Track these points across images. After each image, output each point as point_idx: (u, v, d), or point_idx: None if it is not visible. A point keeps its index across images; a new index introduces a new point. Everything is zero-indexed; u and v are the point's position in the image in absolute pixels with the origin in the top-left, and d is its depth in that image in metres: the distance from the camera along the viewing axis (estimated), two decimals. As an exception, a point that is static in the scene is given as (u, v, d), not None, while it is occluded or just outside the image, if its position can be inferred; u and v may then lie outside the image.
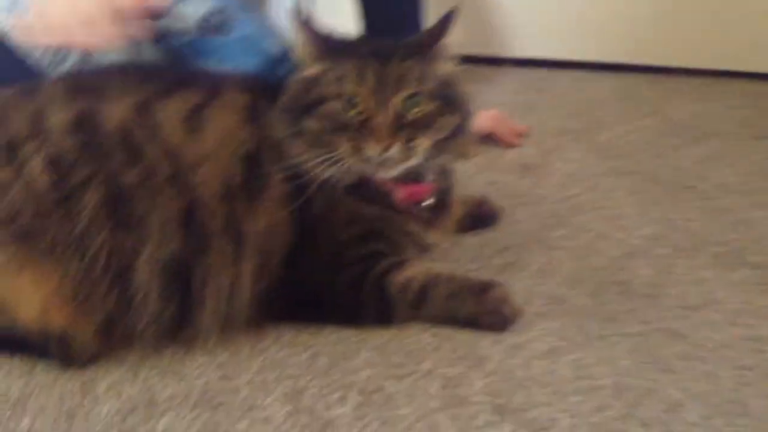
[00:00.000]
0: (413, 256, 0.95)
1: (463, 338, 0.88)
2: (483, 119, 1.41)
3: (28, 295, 0.79)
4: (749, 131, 1.45)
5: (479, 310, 0.89)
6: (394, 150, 0.84)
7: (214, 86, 0.92)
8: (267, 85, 0.95)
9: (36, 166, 0.81)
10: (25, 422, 0.75)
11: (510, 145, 1.40)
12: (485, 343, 0.88)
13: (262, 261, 0.86)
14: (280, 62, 1.20)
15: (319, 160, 0.86)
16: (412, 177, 0.91)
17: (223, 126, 0.88)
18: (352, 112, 0.84)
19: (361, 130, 0.84)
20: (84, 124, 0.85)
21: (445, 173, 0.98)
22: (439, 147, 0.89)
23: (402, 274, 0.91)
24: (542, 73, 1.71)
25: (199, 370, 0.83)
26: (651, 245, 1.09)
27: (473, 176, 1.28)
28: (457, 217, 1.10)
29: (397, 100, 0.85)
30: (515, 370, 0.84)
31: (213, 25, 1.18)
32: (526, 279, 1.01)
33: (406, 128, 0.85)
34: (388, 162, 0.85)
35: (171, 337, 0.85)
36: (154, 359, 0.84)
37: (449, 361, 0.85)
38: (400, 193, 0.92)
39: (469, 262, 1.05)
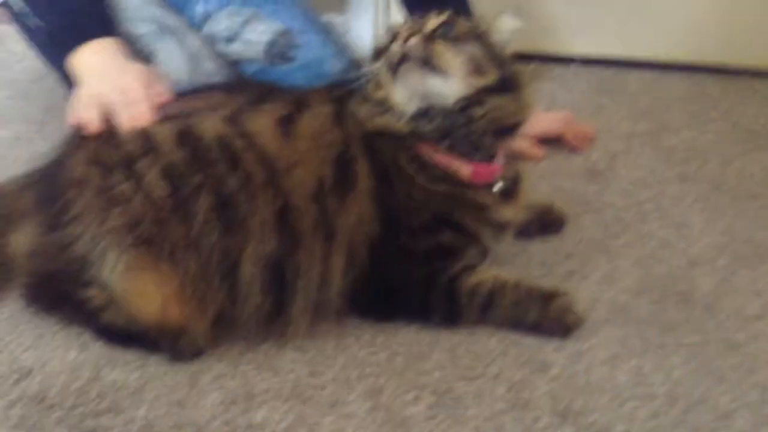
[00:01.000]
0: (487, 239, 1.01)
1: (528, 343, 0.96)
2: (552, 121, 1.46)
3: (150, 294, 0.89)
4: (819, 137, 1.46)
5: (543, 317, 0.97)
6: (413, 42, 0.92)
7: (301, 97, 1.02)
8: (349, 92, 1.03)
9: (153, 179, 0.90)
10: (142, 411, 0.86)
11: (578, 149, 1.44)
12: (549, 348, 0.95)
13: (350, 254, 0.95)
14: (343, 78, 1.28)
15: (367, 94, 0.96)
16: (472, 149, 0.97)
17: (314, 132, 0.97)
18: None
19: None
20: (186, 138, 0.94)
21: (512, 160, 1.04)
22: (479, 95, 0.94)
23: (471, 279, 0.98)
24: (611, 72, 1.73)
25: (290, 366, 0.93)
26: (713, 255, 1.14)
27: (540, 181, 1.33)
28: (525, 221, 1.16)
29: (430, 24, 0.95)
30: (577, 376, 0.91)
31: (279, 53, 1.27)
32: (591, 286, 1.07)
33: (434, 39, 0.93)
34: (407, 59, 0.92)
35: (267, 328, 0.95)
36: (252, 354, 0.94)
37: (515, 365, 0.93)
38: (468, 169, 0.98)
39: (535, 269, 1.12)
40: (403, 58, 0.92)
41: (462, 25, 0.97)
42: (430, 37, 0.93)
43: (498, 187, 1.00)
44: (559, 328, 0.97)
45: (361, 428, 0.84)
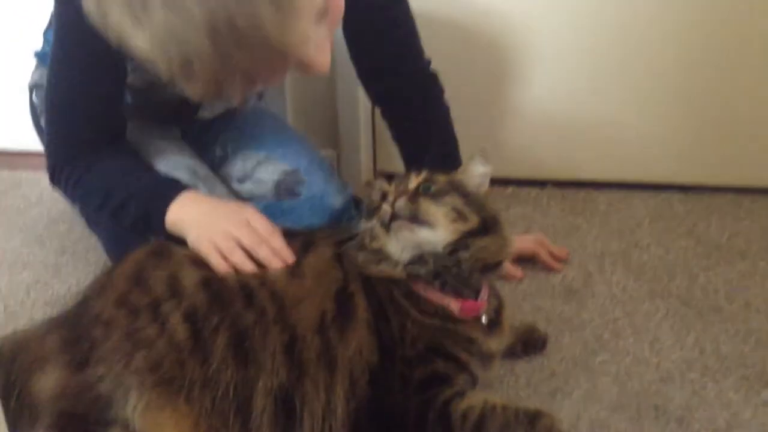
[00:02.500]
0: (476, 368, 1.10)
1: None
2: (526, 242, 1.58)
3: (166, 428, 0.97)
4: (777, 249, 1.59)
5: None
6: (400, 203, 1.04)
7: (307, 239, 1.14)
8: (347, 235, 1.15)
9: (175, 321, 1.00)
10: None
11: (553, 269, 1.55)
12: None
13: (352, 383, 1.03)
14: (344, 213, 1.42)
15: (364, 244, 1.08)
16: (461, 286, 1.08)
17: (317, 271, 1.08)
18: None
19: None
20: (210, 281, 1.05)
21: (494, 293, 1.16)
22: (464, 239, 1.06)
23: (463, 404, 1.06)
24: (582, 194, 1.87)
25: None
26: (683, 369, 1.23)
27: (521, 302, 1.44)
28: (510, 343, 1.25)
29: (412, 183, 1.08)
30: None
31: (286, 189, 1.41)
32: (573, 404, 1.16)
33: (418, 197, 1.06)
34: (397, 217, 1.04)
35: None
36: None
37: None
38: (457, 305, 1.08)
39: (522, 389, 1.21)
40: (393, 216, 1.04)
41: (440, 179, 1.10)
42: (415, 195, 1.06)
43: (484, 320, 1.11)
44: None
45: None
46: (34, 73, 1.53)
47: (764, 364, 1.23)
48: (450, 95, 1.48)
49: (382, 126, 1.58)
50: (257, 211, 1.19)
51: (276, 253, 1.10)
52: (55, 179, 1.30)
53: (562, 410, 1.13)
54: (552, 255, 1.57)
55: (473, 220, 1.07)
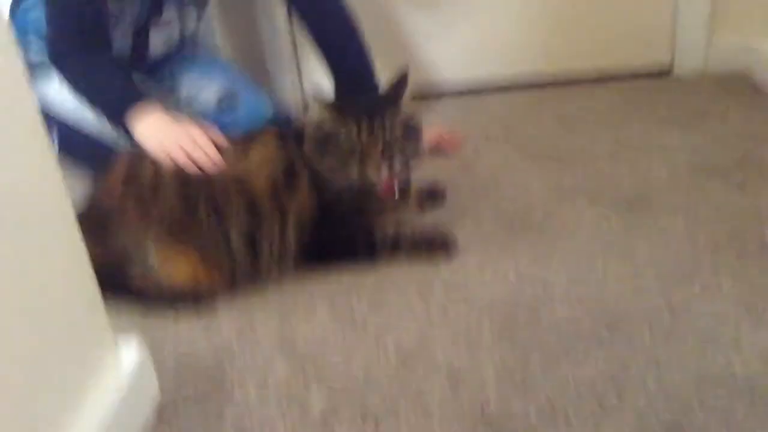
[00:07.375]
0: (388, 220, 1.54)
1: (424, 267, 1.47)
2: (429, 133, 1.99)
3: (182, 265, 1.39)
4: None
5: (432, 242, 1.50)
6: (384, 169, 1.42)
7: (251, 136, 1.54)
8: (286, 129, 1.58)
9: (170, 195, 1.41)
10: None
11: (452, 151, 1.98)
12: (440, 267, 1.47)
13: (299, 226, 1.45)
14: (274, 119, 1.83)
15: (338, 173, 1.45)
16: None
17: (264, 153, 1.47)
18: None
19: (362, 157, 1.42)
20: (179, 172, 1.44)
21: (407, 169, 1.55)
22: (404, 156, 1.46)
23: (383, 229, 1.51)
24: (472, 98, 2.33)
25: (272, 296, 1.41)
26: (548, 194, 1.68)
27: (427, 175, 1.85)
28: (418, 194, 1.66)
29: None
30: (460, 270, 1.43)
31: (227, 105, 1.81)
32: (465, 227, 1.59)
33: (388, 152, 1.43)
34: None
35: (248, 277, 1.44)
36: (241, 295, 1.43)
37: (417, 275, 1.44)
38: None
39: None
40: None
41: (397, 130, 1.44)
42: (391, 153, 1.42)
43: (397, 195, 1.51)
44: (443, 247, 1.50)
45: (321, 326, 1.33)
46: None
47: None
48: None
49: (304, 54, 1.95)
50: (199, 129, 1.53)
51: (209, 158, 1.47)
52: (58, 63, 1.61)
53: (456, 232, 1.56)
54: (451, 139, 1.99)
55: (413, 145, 1.46)
